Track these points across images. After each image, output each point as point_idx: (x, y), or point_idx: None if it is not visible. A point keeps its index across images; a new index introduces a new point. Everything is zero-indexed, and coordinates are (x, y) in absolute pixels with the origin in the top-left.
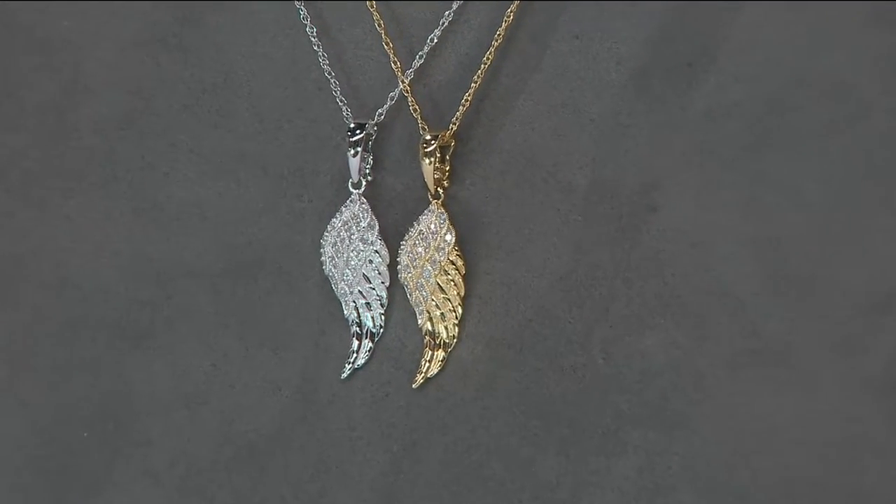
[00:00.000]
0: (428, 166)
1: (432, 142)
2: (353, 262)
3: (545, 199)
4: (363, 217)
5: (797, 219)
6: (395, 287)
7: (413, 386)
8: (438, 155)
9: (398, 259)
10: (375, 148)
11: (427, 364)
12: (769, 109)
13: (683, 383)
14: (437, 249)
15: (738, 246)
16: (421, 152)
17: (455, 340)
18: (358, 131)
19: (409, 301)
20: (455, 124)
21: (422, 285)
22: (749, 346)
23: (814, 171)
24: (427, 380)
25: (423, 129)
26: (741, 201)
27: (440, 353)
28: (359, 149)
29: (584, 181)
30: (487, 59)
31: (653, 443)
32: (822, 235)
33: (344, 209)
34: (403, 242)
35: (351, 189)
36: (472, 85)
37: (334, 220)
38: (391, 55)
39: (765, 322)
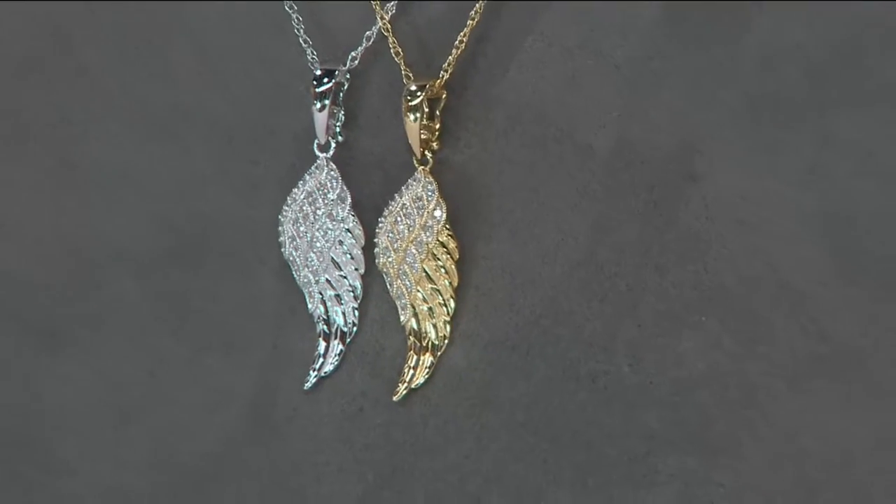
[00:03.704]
0: (413, 124)
1: (418, 93)
2: (319, 244)
3: (558, 165)
4: (332, 187)
5: (871, 190)
6: (372, 275)
7: (394, 398)
8: (426, 110)
9: (375, 240)
10: (348, 101)
11: (411, 371)
12: (836, 56)
13: (730, 397)
14: (424, 228)
15: (798, 224)
16: (404, 106)
17: (446, 342)
18: (325, 80)
19: (389, 293)
20: (447, 71)
21: (405, 273)
22: (813, 351)
23: (890, 132)
24: (411, 391)
25: (408, 78)
26: (802, 168)
27: (427, 358)
28: (326, 102)
29: (607, 143)
30: None
31: (692, 471)
32: None
33: (308, 177)
34: (382, 219)
35: (317, 152)
36: (469, 22)
37: (296, 190)
38: None
39: (833, 320)
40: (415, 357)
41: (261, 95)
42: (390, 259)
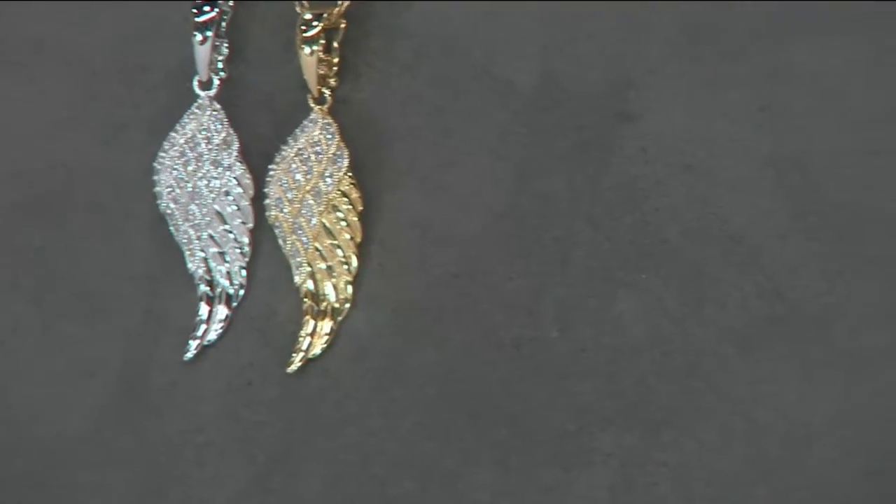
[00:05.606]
0: (309, 58)
1: (315, 23)
2: (201, 195)
3: (475, 104)
4: (216, 130)
5: (830, 129)
6: (263, 230)
7: (287, 370)
8: (323, 42)
9: (266, 190)
10: (233, 33)
11: (307, 339)
12: None
13: (674, 365)
14: (323, 176)
15: (749, 168)
16: (298, 38)
17: (347, 305)
18: (207, 8)
19: (281, 250)
20: None
21: (300, 227)
22: (768, 313)
23: (854, 65)
24: (307, 361)
25: (302, 6)
26: (753, 106)
27: (326, 324)
28: (209, 33)
29: (531, 78)
30: None
31: (630, 450)
32: (867, 153)
33: (188, 119)
34: (274, 166)
35: (198, 91)
36: None
37: (174, 134)
38: None
39: (790, 278)
40: (312, 323)
41: (128, 26)
42: (284, 211)
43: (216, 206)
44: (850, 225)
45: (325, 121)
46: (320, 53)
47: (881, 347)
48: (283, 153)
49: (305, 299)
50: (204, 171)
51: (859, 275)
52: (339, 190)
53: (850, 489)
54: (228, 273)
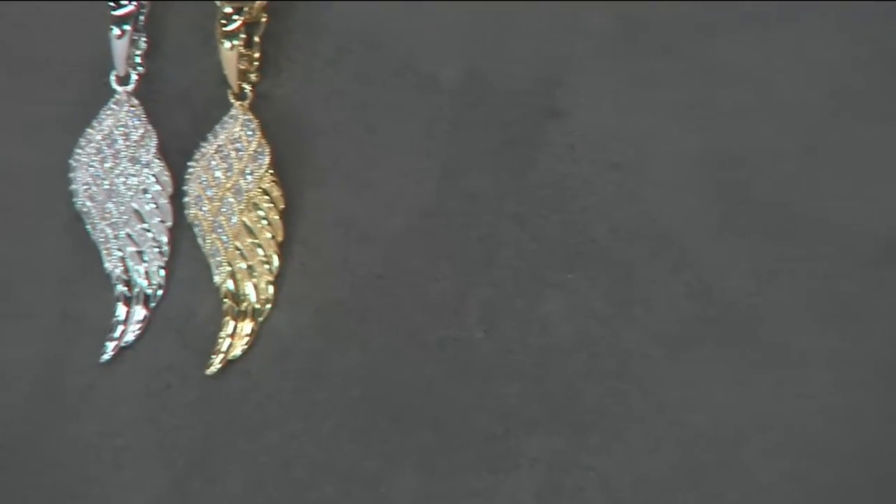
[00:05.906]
0: (229, 52)
1: (235, 17)
2: (119, 192)
3: (399, 101)
4: (134, 126)
5: (762, 126)
6: (182, 229)
7: (207, 372)
8: (244, 36)
9: (185, 188)
10: (151, 27)
11: (228, 340)
12: None
13: (602, 368)
14: (244, 173)
15: (679, 167)
16: (218, 32)
17: (268, 306)
18: (125, 2)
19: (201, 249)
20: None
21: (220, 225)
22: (699, 314)
23: (784, 63)
24: (228, 363)
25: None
26: (682, 104)
27: (247, 325)
28: (127, 27)
29: (456, 74)
30: None
31: (557, 453)
32: (798, 152)
33: (105, 115)
34: (193, 163)
35: (115, 86)
36: None
37: (91, 130)
38: None
39: (720, 278)
40: (232, 323)
41: (47, 21)
42: (203, 209)
43: (134, 205)
44: (781, 224)
45: (246, 117)
46: (241, 48)
47: (811, 349)
48: (203, 150)
49: (225, 300)
50: (121, 168)
51: (790, 275)
52: (260, 188)
53: (778, 492)
54: (146, 273)
